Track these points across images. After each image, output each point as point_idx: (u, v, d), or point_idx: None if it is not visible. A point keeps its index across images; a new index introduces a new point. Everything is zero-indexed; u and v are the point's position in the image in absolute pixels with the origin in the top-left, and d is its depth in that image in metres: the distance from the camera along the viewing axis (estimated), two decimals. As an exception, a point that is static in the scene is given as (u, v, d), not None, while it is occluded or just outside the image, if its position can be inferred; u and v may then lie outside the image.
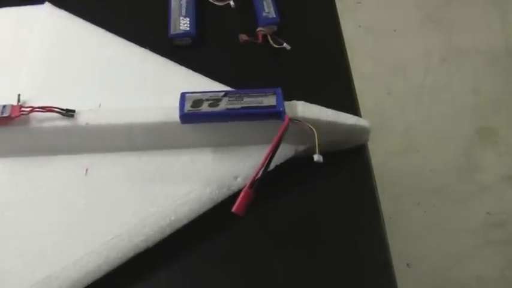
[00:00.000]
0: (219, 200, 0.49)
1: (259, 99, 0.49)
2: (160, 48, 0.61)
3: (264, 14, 0.65)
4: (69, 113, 0.50)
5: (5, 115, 0.49)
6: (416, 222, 1.27)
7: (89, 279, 0.45)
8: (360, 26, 1.65)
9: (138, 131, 0.51)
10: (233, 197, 0.47)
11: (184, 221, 0.48)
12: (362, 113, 0.59)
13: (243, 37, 0.62)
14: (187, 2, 0.67)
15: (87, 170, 0.51)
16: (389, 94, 1.51)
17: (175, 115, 0.49)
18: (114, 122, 0.51)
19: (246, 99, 0.49)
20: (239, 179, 0.50)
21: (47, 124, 0.50)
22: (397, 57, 1.58)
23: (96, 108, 0.53)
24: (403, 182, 1.33)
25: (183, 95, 0.50)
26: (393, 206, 1.26)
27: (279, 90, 0.50)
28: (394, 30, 1.65)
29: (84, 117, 0.51)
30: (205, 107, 0.49)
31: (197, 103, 0.49)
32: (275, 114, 0.48)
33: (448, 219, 1.29)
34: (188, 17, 0.65)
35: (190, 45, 0.64)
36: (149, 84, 0.58)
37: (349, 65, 0.63)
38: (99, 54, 0.60)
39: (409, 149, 1.40)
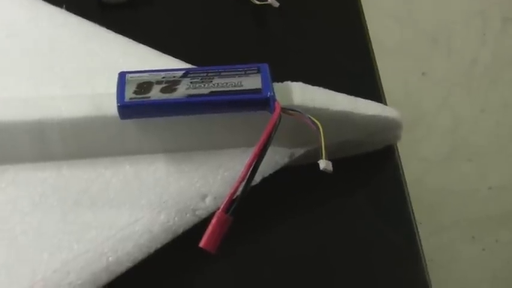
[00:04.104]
0: (180, 231, 0.51)
1: (237, 80, 0.50)
2: (83, 7, 0.63)
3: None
4: (-51, 106, 0.51)
5: None
6: (471, 265, 1.29)
7: None
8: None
9: (53, 132, 0.52)
10: (201, 226, 0.48)
11: (128, 264, 0.49)
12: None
13: (209, -11, 0.65)
14: None
15: (-23, 191, 0.52)
16: (425, 75, 1.54)
17: (110, 106, 0.50)
18: (17, 117, 0.52)
19: (216, 80, 0.50)
20: (208, 199, 0.52)
21: None
22: (436, 20, 1.60)
23: (-11, 97, 0.54)
24: (449, 205, 1.35)
25: (122, 76, 0.51)
26: (435, 242, 1.28)
27: (266, 67, 0.51)
28: (432, -22, 1.68)
29: (-28, 112, 0.52)
30: (156, 94, 0.50)
31: (144, 88, 0.50)
32: (260, 101, 0.50)
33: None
34: (124, -40, 0.67)
35: (127, 3, 0.66)
36: (68, 61, 0.59)
37: (367, 31, 0.65)
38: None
39: (456, 155, 1.43)
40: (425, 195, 1.30)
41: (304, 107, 0.51)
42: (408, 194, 0.57)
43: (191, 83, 0.51)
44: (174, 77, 0.51)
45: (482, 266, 1.30)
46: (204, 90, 0.50)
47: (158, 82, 0.51)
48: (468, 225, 1.34)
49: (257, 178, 0.50)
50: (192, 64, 0.57)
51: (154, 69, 0.52)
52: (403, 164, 0.59)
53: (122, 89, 0.50)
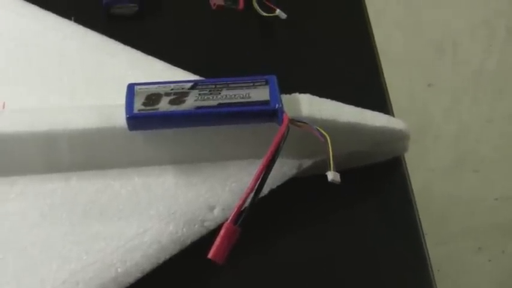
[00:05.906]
0: (188, 242, 0.51)
1: (245, 92, 0.51)
2: (91, 19, 0.63)
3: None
4: (-42, 117, 0.52)
5: None
6: (478, 275, 1.29)
7: None
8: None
9: (62, 143, 0.52)
10: (209, 237, 0.48)
11: (137, 274, 0.49)
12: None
13: (216, 1, 0.65)
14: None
15: (-13, 202, 0.53)
16: (430, 86, 1.54)
17: (119, 118, 0.51)
18: (26, 129, 0.52)
19: (224, 92, 0.51)
20: (217, 211, 0.52)
21: None
22: (441, 30, 1.60)
23: (-2, 108, 0.55)
24: (456, 216, 1.35)
25: (130, 88, 0.51)
26: (442, 253, 1.28)
27: (273, 79, 0.52)
28: (437, -12, 1.68)
29: (-18, 123, 0.52)
30: (164, 105, 0.50)
31: (152, 99, 0.51)
32: (268, 113, 0.50)
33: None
34: (132, -28, 0.67)
35: (136, 15, 0.67)
36: (76, 72, 0.59)
37: (374, 41, 0.66)
38: (1, 29, 0.62)
39: (462, 166, 1.42)
40: (431, 205, 1.29)
41: (312, 118, 0.52)
42: (415, 204, 0.57)
43: (199, 94, 0.51)
44: (182, 88, 0.51)
45: (489, 277, 1.30)
46: (212, 102, 0.50)
47: (167, 94, 0.51)
48: (475, 235, 1.34)
49: (265, 190, 0.50)
50: (200, 75, 0.58)
51: (162, 80, 0.52)
52: (409, 173, 0.59)
53: (131, 100, 0.51)
